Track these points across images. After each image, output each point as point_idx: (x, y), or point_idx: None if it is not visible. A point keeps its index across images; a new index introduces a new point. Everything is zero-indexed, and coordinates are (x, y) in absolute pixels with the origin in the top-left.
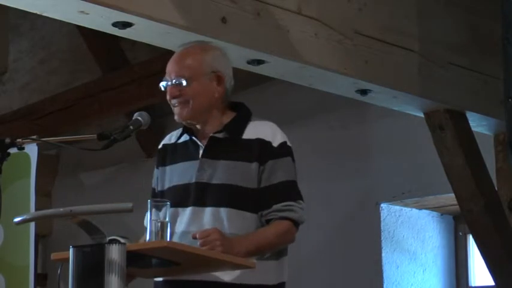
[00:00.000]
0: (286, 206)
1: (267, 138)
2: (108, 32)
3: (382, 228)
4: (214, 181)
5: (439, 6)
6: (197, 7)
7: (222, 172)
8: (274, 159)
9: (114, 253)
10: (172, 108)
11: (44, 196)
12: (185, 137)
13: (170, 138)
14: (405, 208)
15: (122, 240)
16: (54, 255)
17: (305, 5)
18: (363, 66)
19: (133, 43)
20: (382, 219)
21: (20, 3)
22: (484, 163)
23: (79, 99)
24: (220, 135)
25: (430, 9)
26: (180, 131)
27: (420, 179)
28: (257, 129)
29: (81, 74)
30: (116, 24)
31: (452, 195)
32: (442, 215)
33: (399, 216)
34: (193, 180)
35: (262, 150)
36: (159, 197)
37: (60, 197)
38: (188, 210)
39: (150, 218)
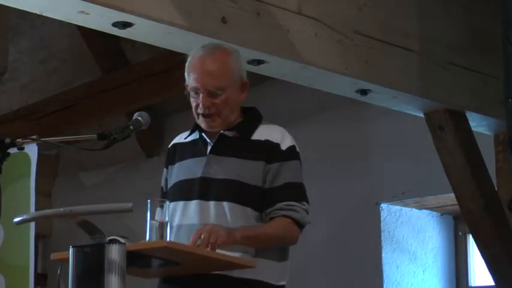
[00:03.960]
0: (288, 205)
1: (276, 141)
2: (108, 32)
3: (382, 228)
4: (219, 176)
5: (439, 6)
6: (197, 7)
7: (228, 168)
8: (281, 161)
9: (114, 253)
10: (200, 116)
11: (44, 196)
12: (195, 135)
13: (180, 137)
14: (405, 208)
15: (122, 240)
16: (54, 255)
17: (305, 5)
18: (363, 66)
19: (133, 43)
20: (382, 219)
21: (20, 3)
22: (484, 163)
23: (79, 99)
24: (230, 134)
25: (430, 9)
26: (190, 130)
27: (420, 179)
28: (266, 132)
29: (81, 74)
30: (116, 24)
31: (452, 195)
32: (442, 215)
33: (399, 216)
34: (199, 175)
35: (269, 151)
36: (167, 196)
37: (60, 197)
38: (193, 203)
39: (150, 218)
